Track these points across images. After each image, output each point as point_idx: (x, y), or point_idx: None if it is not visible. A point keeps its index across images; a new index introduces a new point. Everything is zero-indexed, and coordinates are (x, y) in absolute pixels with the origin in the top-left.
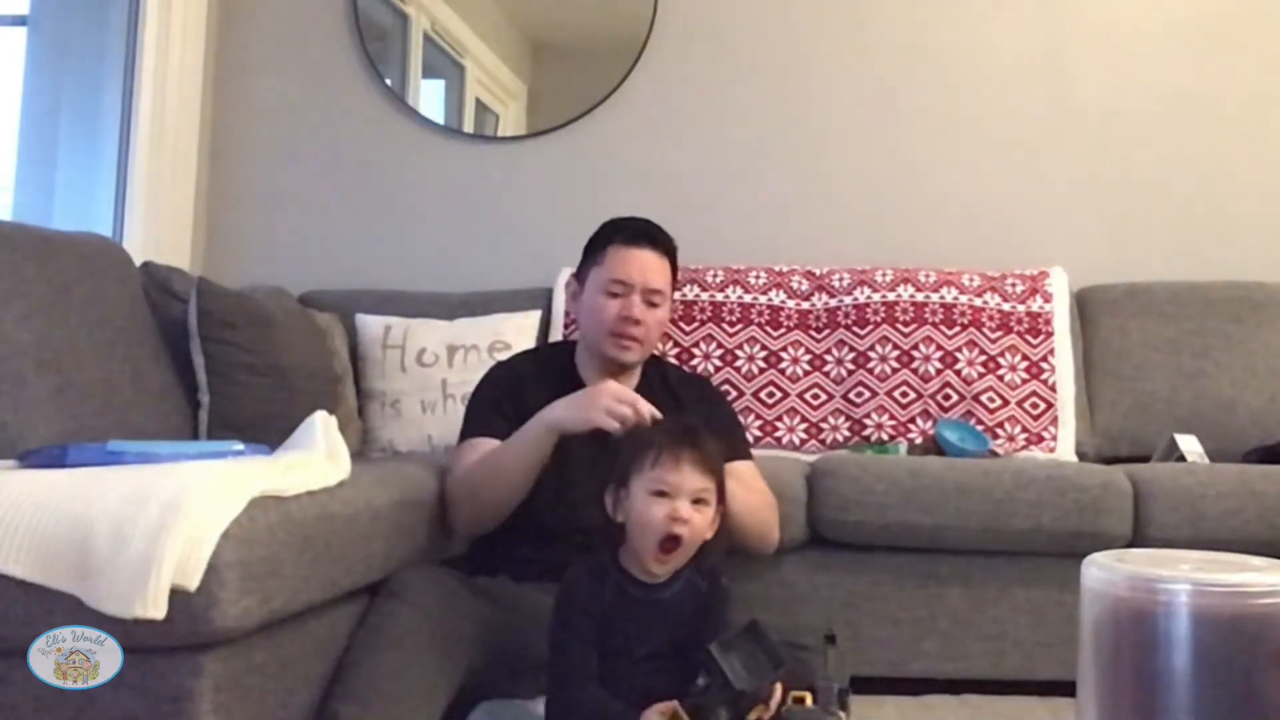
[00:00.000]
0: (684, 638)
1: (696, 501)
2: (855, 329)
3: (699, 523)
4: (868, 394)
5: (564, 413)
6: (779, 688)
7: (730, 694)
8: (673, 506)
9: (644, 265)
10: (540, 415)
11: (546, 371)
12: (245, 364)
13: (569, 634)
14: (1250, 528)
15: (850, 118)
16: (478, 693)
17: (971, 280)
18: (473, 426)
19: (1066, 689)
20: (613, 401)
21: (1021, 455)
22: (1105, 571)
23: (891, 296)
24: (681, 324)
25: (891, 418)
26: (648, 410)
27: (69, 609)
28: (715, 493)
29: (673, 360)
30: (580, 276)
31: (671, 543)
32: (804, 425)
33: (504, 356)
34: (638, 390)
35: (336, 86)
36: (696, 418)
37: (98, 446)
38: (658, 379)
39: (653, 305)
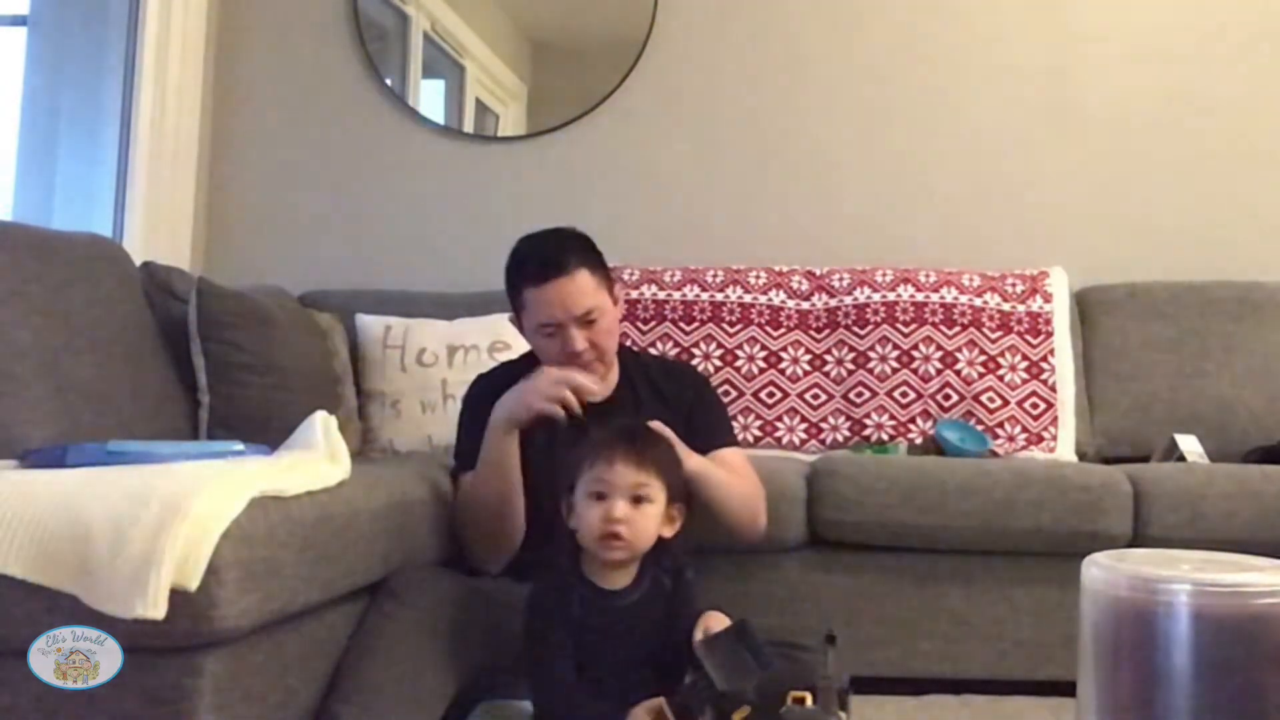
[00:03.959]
0: (658, 639)
1: (637, 500)
2: (855, 329)
3: (640, 521)
4: (868, 394)
5: (509, 408)
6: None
7: (714, 693)
8: (607, 507)
9: (563, 297)
10: (491, 419)
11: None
12: (245, 364)
13: (544, 648)
14: (1250, 528)
15: (850, 117)
16: (478, 693)
17: (971, 280)
18: (466, 455)
19: (1066, 689)
20: (549, 385)
21: (1021, 455)
22: (1105, 571)
23: (891, 296)
24: (682, 324)
25: (891, 418)
26: (587, 385)
27: (69, 609)
28: (662, 489)
29: (654, 352)
30: (516, 314)
31: (611, 539)
32: (804, 425)
33: (504, 357)
34: (618, 389)
35: (336, 86)
36: (680, 410)
37: (98, 446)
38: (640, 375)
39: (591, 323)
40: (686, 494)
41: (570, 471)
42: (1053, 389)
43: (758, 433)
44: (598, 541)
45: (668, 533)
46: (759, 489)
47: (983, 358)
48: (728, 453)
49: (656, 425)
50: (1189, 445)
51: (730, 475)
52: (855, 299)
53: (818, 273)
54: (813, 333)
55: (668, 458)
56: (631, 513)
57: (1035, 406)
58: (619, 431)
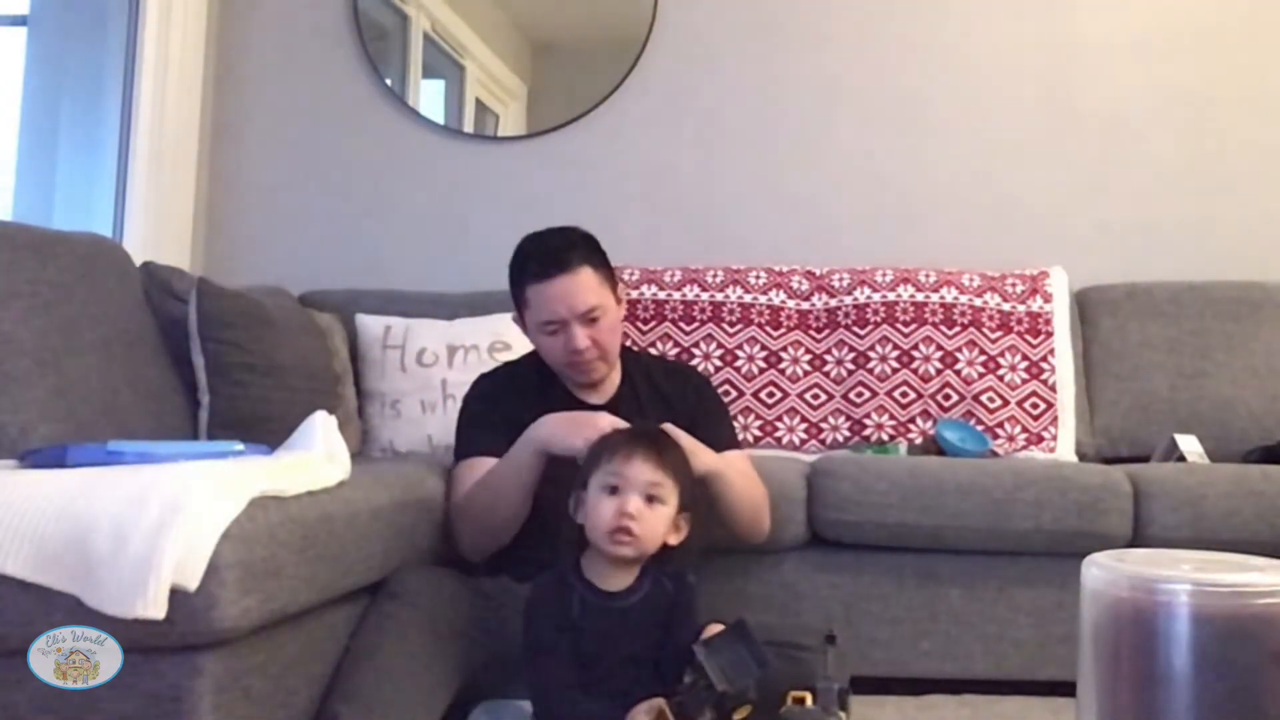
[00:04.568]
0: (657, 641)
1: (651, 499)
2: (855, 329)
3: (651, 519)
4: (868, 394)
5: (552, 432)
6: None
7: (714, 694)
8: (621, 501)
9: (566, 295)
10: (530, 432)
11: (531, 380)
12: (245, 364)
13: (541, 648)
14: (1250, 528)
15: (850, 117)
16: (478, 693)
17: (971, 280)
18: (466, 445)
19: (1066, 689)
20: (599, 432)
21: (1021, 455)
22: (1105, 571)
23: (891, 296)
24: (682, 324)
25: (891, 418)
26: None
27: (69, 609)
28: (675, 493)
29: (654, 352)
30: (519, 312)
31: (622, 533)
32: (804, 425)
33: (504, 357)
34: (620, 390)
35: (336, 86)
36: (682, 411)
37: (98, 446)
38: (641, 376)
39: (594, 321)
40: (694, 504)
41: (584, 468)
42: (1053, 389)
43: (758, 433)
44: (607, 535)
45: (673, 540)
46: (764, 491)
47: (983, 358)
48: (731, 455)
49: (669, 427)
50: (1189, 445)
51: (734, 475)
52: (855, 299)
53: (818, 273)
54: (813, 333)
55: (682, 464)
56: (644, 510)
57: (1035, 406)
58: (638, 430)
